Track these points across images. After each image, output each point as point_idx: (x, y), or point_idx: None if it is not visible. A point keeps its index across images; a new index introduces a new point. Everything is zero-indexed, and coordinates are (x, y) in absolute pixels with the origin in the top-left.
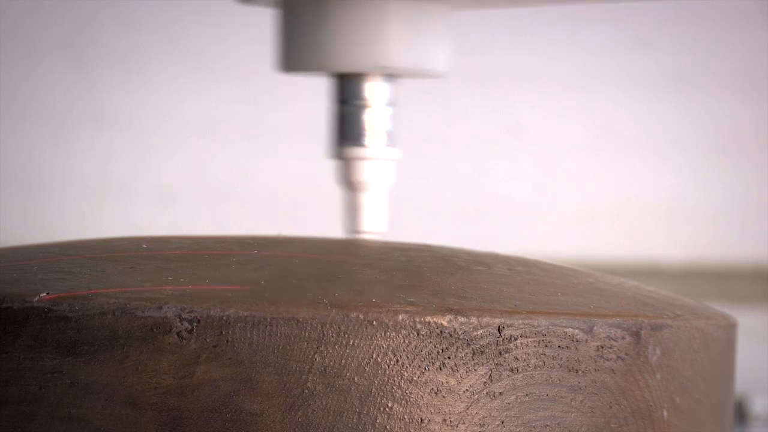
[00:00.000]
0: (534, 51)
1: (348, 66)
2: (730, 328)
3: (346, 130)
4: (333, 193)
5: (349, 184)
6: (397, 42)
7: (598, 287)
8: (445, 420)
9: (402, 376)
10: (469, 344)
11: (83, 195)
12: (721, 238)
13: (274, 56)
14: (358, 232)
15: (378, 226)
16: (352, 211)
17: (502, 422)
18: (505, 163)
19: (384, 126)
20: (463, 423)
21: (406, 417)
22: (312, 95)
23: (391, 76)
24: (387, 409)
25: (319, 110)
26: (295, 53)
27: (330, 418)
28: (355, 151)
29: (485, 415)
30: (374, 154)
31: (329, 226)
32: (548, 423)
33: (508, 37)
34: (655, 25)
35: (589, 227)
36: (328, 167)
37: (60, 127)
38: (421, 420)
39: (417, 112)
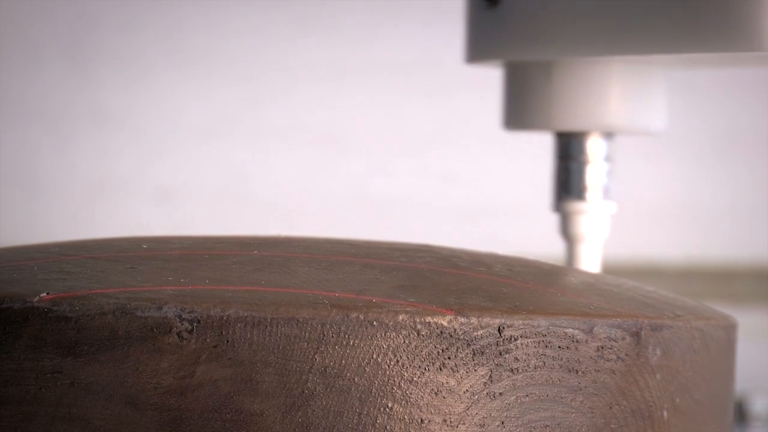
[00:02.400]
0: None
1: (571, 125)
2: (730, 329)
3: (568, 185)
4: (333, 193)
5: (570, 236)
6: (619, 102)
7: (599, 287)
8: (445, 420)
9: (402, 376)
10: (469, 345)
11: (83, 195)
12: (720, 238)
13: (501, 113)
14: None
15: None
16: (572, 262)
17: (502, 423)
18: (505, 163)
19: (602, 181)
20: (463, 423)
21: (406, 417)
22: (312, 96)
23: (609, 133)
24: (387, 410)
25: (319, 111)
26: (521, 112)
27: (330, 418)
28: (576, 206)
29: (485, 415)
30: (594, 208)
31: (329, 227)
32: (548, 423)
33: None
34: None
35: None
36: (327, 167)
37: (60, 127)
38: (421, 420)
39: (417, 112)
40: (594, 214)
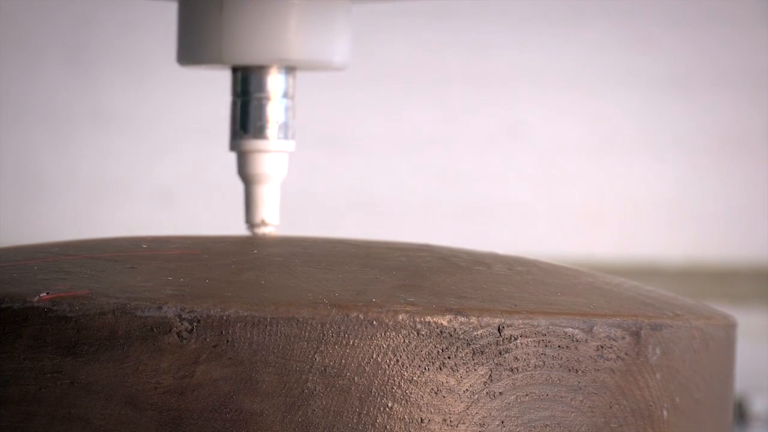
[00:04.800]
0: (534, 51)
1: (245, 59)
2: (729, 328)
3: (246, 123)
4: (333, 193)
5: (249, 176)
6: (296, 35)
7: (598, 287)
8: (445, 420)
9: (402, 376)
10: (469, 344)
11: (83, 195)
12: (721, 238)
13: (175, 49)
14: (256, 224)
15: (274, 218)
16: (251, 204)
17: (502, 422)
18: (505, 163)
19: (281, 118)
20: (463, 423)
21: (406, 417)
22: (312, 96)
23: (289, 68)
24: (387, 409)
25: (319, 110)
26: (194, 47)
27: (330, 418)
28: (254, 144)
29: (485, 414)
30: (273, 146)
31: (329, 227)
32: (548, 423)
33: (508, 36)
34: (655, 24)
35: (589, 227)
36: (327, 167)
37: (60, 126)
38: (421, 420)
39: (417, 112)
40: (273, 153)
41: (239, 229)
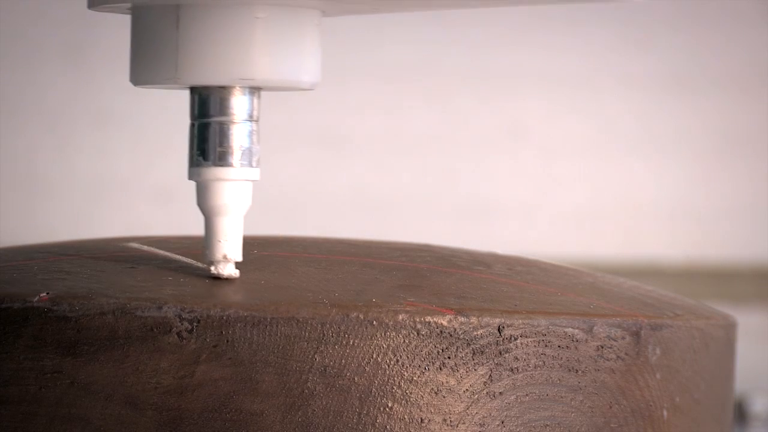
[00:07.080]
0: (535, 51)
1: (204, 79)
2: (729, 328)
3: (205, 149)
4: (333, 193)
5: (210, 208)
6: (260, 52)
7: (598, 287)
8: (445, 420)
9: (402, 376)
10: (469, 344)
11: (83, 195)
12: (721, 238)
13: (128, 67)
14: (217, 260)
15: (236, 254)
16: (211, 238)
17: (502, 422)
18: (505, 163)
19: (245, 144)
20: (463, 423)
21: (406, 417)
22: (312, 96)
23: (253, 89)
24: (387, 409)
25: (319, 110)
26: (148, 65)
27: (330, 418)
28: (216, 172)
29: (485, 414)
30: (236, 175)
31: (329, 226)
32: (548, 423)
33: (509, 37)
34: (656, 25)
35: (589, 227)
36: (327, 167)
37: (60, 126)
38: (421, 420)
39: (417, 112)
40: (236, 181)
41: None
